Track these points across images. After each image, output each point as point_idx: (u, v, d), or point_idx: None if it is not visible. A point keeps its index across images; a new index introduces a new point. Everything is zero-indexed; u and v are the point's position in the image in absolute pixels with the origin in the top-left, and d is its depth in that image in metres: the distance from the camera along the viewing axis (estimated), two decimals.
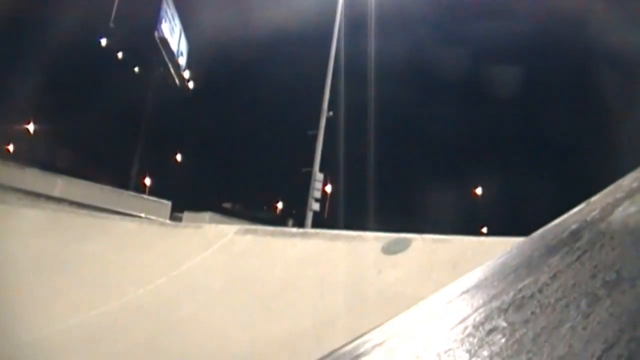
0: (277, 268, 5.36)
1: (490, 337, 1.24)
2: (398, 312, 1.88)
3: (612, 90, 29.64)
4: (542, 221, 1.90)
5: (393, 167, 39.19)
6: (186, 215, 24.65)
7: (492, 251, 3.34)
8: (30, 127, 40.36)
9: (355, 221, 28.17)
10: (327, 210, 27.79)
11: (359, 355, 1.53)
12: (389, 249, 4.93)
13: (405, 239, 4.97)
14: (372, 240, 5.24)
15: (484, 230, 31.74)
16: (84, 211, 12.78)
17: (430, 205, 33.43)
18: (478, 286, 1.62)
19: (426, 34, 37.07)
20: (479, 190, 42.49)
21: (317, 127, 23.58)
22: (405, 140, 40.68)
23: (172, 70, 45.73)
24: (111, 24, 38.68)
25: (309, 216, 22.95)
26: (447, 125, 39.18)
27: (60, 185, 21.88)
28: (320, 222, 24.72)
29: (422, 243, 4.81)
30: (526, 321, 1.23)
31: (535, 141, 38.34)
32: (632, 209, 1.51)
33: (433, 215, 31.71)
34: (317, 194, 23.19)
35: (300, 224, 23.69)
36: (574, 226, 1.60)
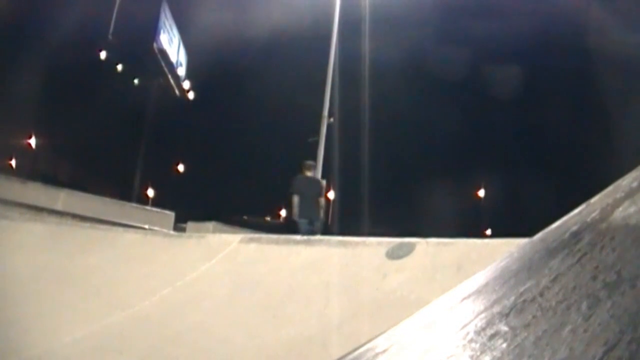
0: (282, 275, 5.37)
1: (492, 342, 1.24)
2: (404, 317, 1.89)
3: (613, 91, 29.64)
4: (545, 222, 1.91)
5: (396, 172, 39.21)
6: (190, 225, 24.60)
7: (496, 253, 3.35)
8: (32, 141, 40.46)
9: (360, 226, 28.17)
10: (331, 216, 27.73)
11: None
12: (394, 254, 4.94)
13: (409, 243, 4.98)
14: (376, 246, 5.26)
15: (488, 232, 31.73)
16: (87, 224, 12.77)
17: (434, 209, 33.40)
18: (479, 291, 1.63)
19: (426, 36, 37.10)
20: (482, 193, 42.46)
21: (318, 133, 23.59)
22: (408, 144, 40.70)
23: (171, 81, 45.80)
24: (109, 37, 38.75)
25: None
26: (449, 128, 39.18)
27: (62, 198, 21.88)
28: (324, 228, 24.70)
29: (426, 247, 4.83)
30: (527, 325, 1.24)
31: (537, 142, 38.33)
32: (632, 209, 1.52)
33: (437, 218, 31.68)
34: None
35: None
36: (574, 228, 1.60)
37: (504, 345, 1.21)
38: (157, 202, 36.63)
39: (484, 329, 1.32)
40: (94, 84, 38.89)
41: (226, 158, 44.41)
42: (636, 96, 27.04)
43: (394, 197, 38.36)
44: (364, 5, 24.83)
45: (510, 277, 1.56)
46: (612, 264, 1.31)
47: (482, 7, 35.09)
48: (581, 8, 32.32)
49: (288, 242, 6.10)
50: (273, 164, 41.27)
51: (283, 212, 47.55)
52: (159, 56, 42.55)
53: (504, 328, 1.27)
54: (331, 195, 28.17)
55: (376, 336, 1.73)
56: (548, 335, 1.17)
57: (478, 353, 1.23)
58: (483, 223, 35.68)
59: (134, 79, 44.12)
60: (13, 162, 38.08)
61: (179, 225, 24.33)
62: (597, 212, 1.61)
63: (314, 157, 23.43)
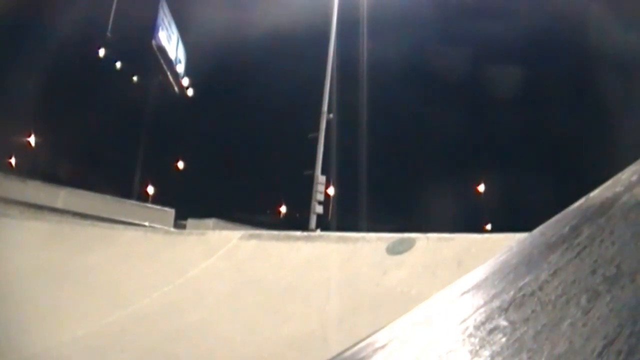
0: (283, 272, 5.36)
1: (491, 336, 1.24)
2: (404, 312, 1.88)
3: (612, 87, 29.64)
4: (545, 216, 1.90)
5: (396, 167, 39.17)
6: (190, 222, 24.61)
7: (496, 248, 3.35)
8: (32, 139, 40.41)
9: (360, 222, 28.19)
10: (331, 212, 27.70)
11: (361, 359, 1.54)
12: (394, 249, 4.93)
13: (409, 238, 4.97)
14: (377, 241, 5.24)
15: (488, 227, 31.69)
16: (88, 222, 12.78)
17: (434, 204, 33.37)
18: (479, 286, 1.63)
19: (426, 33, 37.05)
20: (481, 188, 42.38)
21: (317, 129, 23.58)
22: (408, 139, 40.64)
23: (170, 78, 45.71)
24: (108, 34, 38.67)
25: (313, 219, 22.91)
26: (449, 123, 39.13)
27: (63, 196, 21.89)
28: (325, 224, 24.70)
29: (426, 242, 4.82)
30: (527, 319, 1.23)
31: (536, 137, 38.27)
32: (631, 203, 1.52)
33: (437, 213, 31.67)
34: (320, 197, 23.14)
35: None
36: (573, 222, 1.60)
37: (503, 339, 1.21)
38: (157, 200, 36.62)
39: (483, 324, 1.32)
40: (93, 82, 38.83)
41: (226, 155, 44.36)
42: (635, 91, 27.05)
43: (394, 192, 38.34)
44: (363, 1, 24.81)
45: (509, 271, 1.56)
46: (611, 258, 1.31)
47: (481, 5, 35.06)
48: (579, 7, 32.28)
49: (288, 238, 6.09)
50: (273, 160, 41.25)
51: (283, 209, 47.57)
52: (157, 53, 42.49)
53: (503, 322, 1.27)
54: (331, 191, 28.15)
55: (376, 331, 1.73)
56: (547, 329, 1.17)
57: (477, 347, 1.23)
58: (483, 218, 35.62)
59: (132, 76, 44.02)
60: (12, 161, 38.05)
61: (179, 222, 24.34)
62: (596, 206, 1.61)
63: (313, 153, 23.45)
